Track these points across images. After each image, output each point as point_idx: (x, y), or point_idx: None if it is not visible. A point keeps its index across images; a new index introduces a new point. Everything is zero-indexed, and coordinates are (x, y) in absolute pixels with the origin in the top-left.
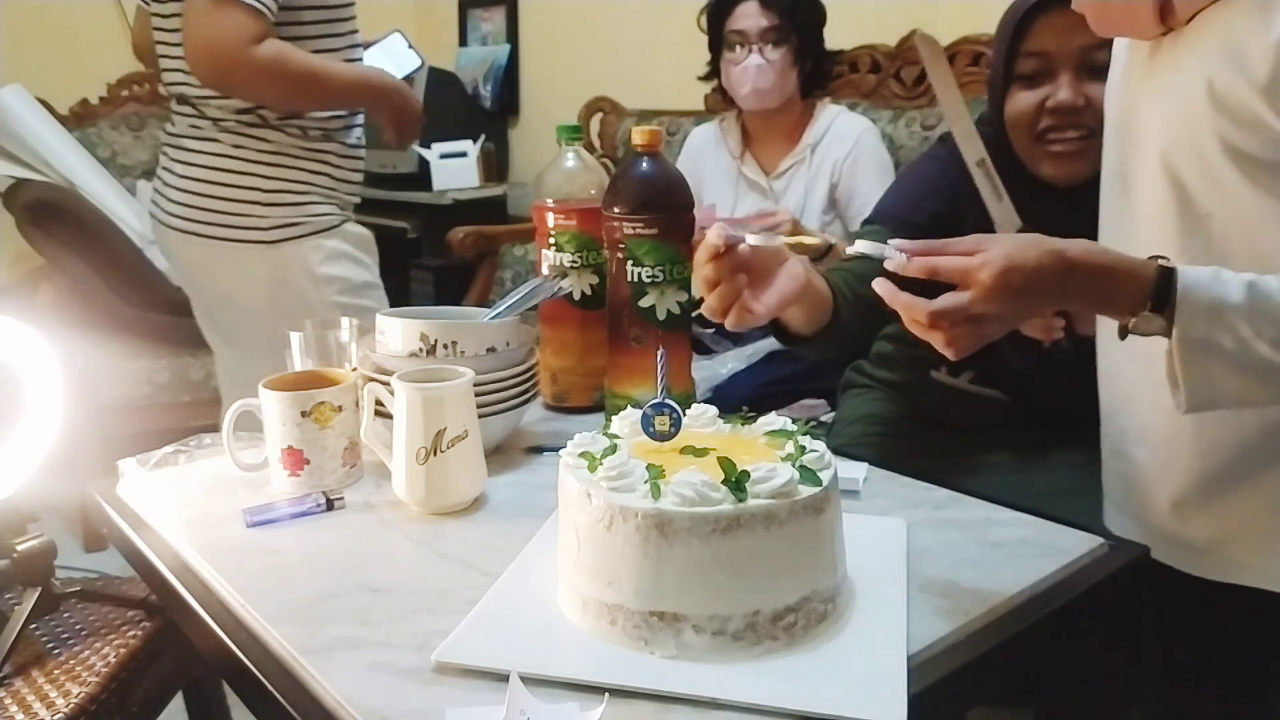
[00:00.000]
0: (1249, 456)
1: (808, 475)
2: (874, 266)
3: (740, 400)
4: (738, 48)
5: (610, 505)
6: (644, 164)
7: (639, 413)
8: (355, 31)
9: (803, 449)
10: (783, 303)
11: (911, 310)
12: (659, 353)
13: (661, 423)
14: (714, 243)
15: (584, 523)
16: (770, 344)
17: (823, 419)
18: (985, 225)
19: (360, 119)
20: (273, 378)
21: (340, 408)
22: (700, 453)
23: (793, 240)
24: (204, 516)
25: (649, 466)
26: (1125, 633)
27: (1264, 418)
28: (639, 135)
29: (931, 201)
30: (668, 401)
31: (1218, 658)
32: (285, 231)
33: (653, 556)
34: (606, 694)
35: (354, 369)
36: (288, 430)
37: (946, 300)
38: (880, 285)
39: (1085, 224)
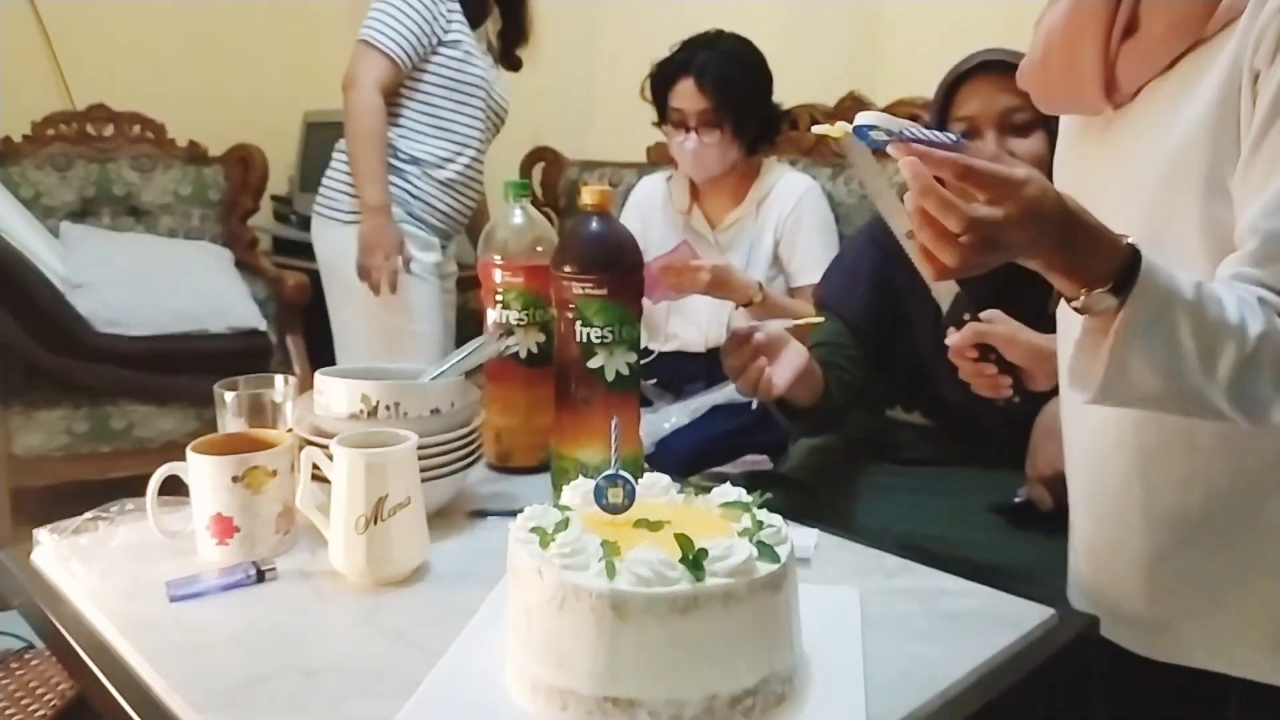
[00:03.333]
0: (1196, 531)
1: (766, 551)
2: (835, 351)
3: (684, 455)
4: (679, 126)
5: (563, 584)
6: (594, 223)
7: (590, 483)
8: (470, 127)
9: (760, 524)
10: (794, 374)
11: (949, 208)
12: (613, 421)
13: (615, 494)
14: (741, 331)
15: (535, 601)
16: (713, 399)
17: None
18: (921, 302)
19: (460, 162)
20: (201, 440)
21: (275, 472)
22: (655, 526)
23: (799, 322)
24: (124, 588)
25: (603, 543)
26: (1075, 704)
27: (1210, 487)
28: (589, 195)
29: (869, 291)
30: (621, 473)
31: None
32: (355, 216)
33: (607, 638)
34: None
35: (289, 430)
36: (217, 496)
37: (986, 210)
38: (910, 165)
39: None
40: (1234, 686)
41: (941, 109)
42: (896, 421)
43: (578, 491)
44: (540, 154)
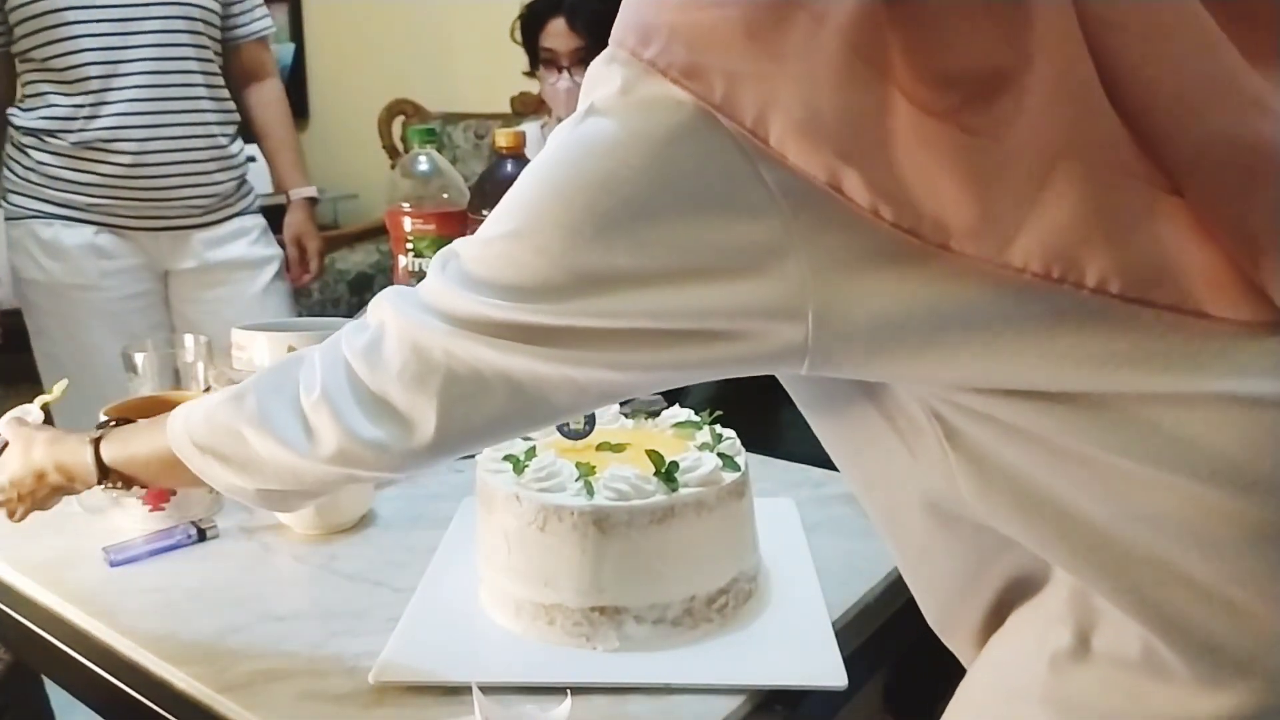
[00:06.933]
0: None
1: (728, 462)
2: None
3: None
4: (551, 67)
5: (543, 506)
6: (509, 166)
7: None
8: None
9: (719, 437)
10: None
11: None
12: None
13: (576, 421)
14: None
15: (514, 526)
16: None
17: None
18: None
19: (98, 123)
20: (115, 405)
21: None
22: (618, 448)
23: None
24: (58, 560)
25: (578, 465)
26: None
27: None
28: (503, 138)
29: None
30: None
31: None
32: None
33: (591, 553)
34: (568, 691)
35: (207, 389)
36: None
37: None
38: None
39: None
40: None
41: None
42: None
43: None
44: (399, 107)
